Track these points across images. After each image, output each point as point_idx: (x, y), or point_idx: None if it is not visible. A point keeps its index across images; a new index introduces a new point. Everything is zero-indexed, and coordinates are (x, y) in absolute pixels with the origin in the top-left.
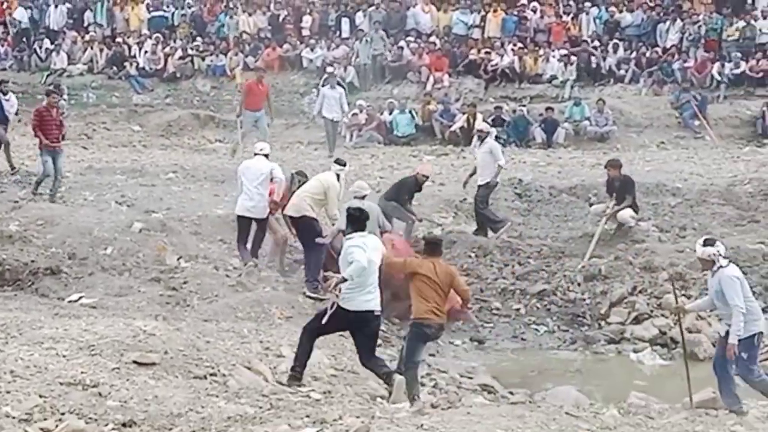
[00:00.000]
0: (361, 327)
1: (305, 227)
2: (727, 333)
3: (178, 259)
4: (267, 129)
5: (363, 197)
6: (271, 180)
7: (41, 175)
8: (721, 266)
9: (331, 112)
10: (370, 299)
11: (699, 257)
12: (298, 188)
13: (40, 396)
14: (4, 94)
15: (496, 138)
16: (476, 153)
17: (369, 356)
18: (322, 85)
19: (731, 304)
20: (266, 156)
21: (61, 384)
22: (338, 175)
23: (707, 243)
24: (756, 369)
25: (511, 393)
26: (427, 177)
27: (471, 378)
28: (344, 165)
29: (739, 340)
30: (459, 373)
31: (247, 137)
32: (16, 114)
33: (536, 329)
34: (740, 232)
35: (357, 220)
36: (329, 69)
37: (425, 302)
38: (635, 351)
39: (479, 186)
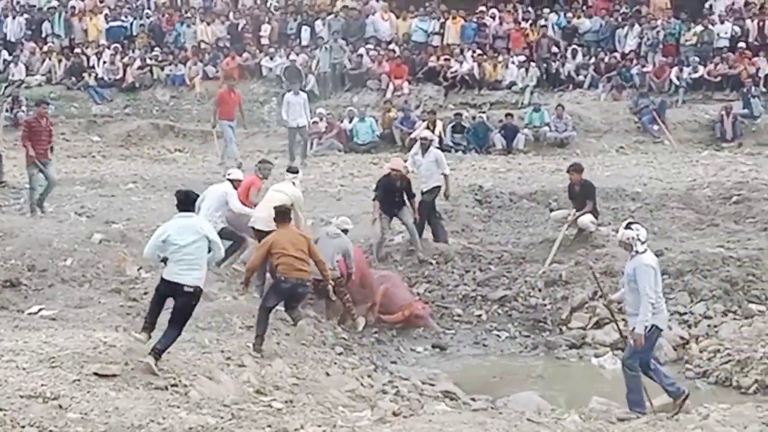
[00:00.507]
0: (173, 296)
1: None
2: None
3: (138, 270)
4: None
5: (345, 231)
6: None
7: (29, 191)
8: (637, 251)
9: (296, 119)
10: (181, 272)
11: (619, 240)
12: (263, 178)
13: (0, 409)
14: None
15: (456, 144)
16: (418, 160)
17: (170, 326)
18: (287, 91)
19: (641, 293)
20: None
21: (21, 397)
22: (293, 183)
23: (628, 226)
24: (637, 364)
25: (473, 399)
26: (399, 170)
27: (433, 385)
28: (296, 173)
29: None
30: (421, 380)
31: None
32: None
33: (498, 335)
34: (700, 236)
35: (180, 202)
36: (292, 58)
37: (284, 265)
38: (596, 356)
39: (424, 193)
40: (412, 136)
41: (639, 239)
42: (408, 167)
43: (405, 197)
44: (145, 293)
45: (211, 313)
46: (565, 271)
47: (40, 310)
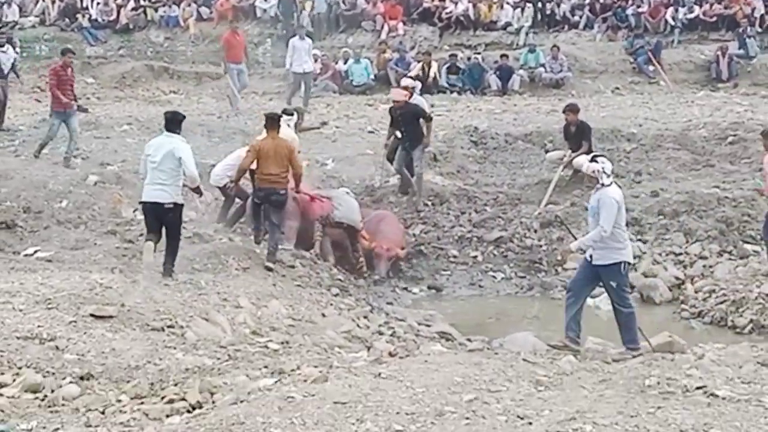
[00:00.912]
0: (157, 216)
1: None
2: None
3: (134, 212)
4: (248, 82)
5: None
6: None
7: (46, 138)
8: (603, 184)
9: (302, 65)
10: (155, 191)
11: (585, 173)
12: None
13: None
14: (1, 46)
15: (452, 86)
16: None
17: (168, 243)
18: (291, 36)
19: (600, 223)
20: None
21: (17, 338)
22: (288, 125)
23: (593, 159)
24: (629, 297)
25: (469, 340)
26: (398, 101)
27: (429, 326)
28: (292, 114)
29: (604, 267)
30: (417, 321)
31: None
32: (13, 67)
33: (493, 276)
34: (695, 177)
35: (167, 121)
36: None
37: (261, 174)
38: (592, 297)
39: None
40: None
41: (605, 172)
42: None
43: (414, 129)
44: (141, 235)
45: (207, 254)
46: (561, 212)
47: (35, 251)
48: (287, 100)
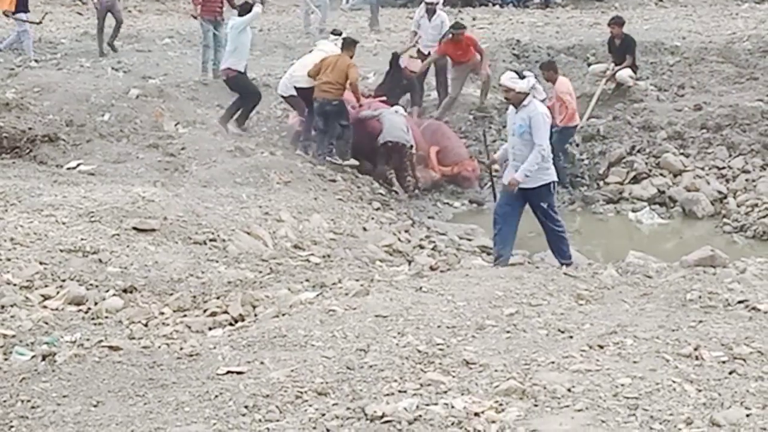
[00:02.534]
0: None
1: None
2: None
3: (175, 125)
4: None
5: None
6: None
7: (203, 48)
8: (533, 99)
9: None
10: (228, 59)
11: (513, 90)
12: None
13: (41, 263)
14: None
15: None
16: (423, 24)
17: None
18: None
19: (536, 143)
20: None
21: (61, 251)
22: (335, 45)
23: (522, 77)
24: (559, 216)
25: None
26: (411, 71)
27: (470, 240)
28: (340, 35)
29: (534, 189)
30: (458, 235)
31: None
32: None
33: None
34: (739, 90)
35: (240, 7)
36: None
37: (318, 84)
38: (634, 210)
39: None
40: None
41: (535, 88)
42: (413, 28)
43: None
44: (183, 148)
45: (248, 168)
46: (603, 126)
47: (78, 165)
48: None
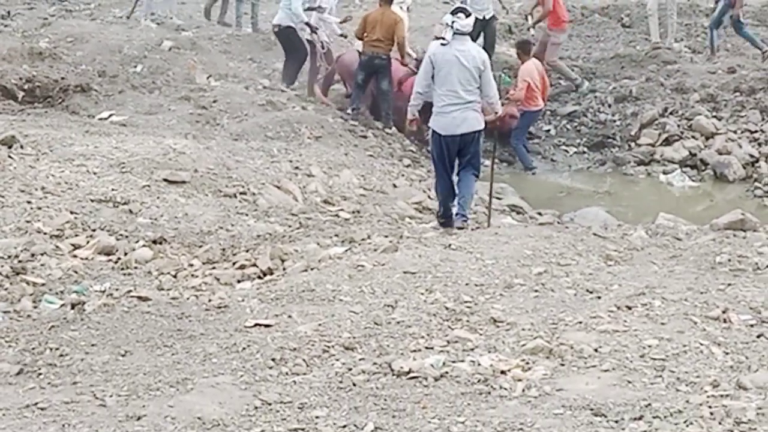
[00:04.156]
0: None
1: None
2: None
3: (207, 78)
4: None
5: None
6: None
7: (237, 2)
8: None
9: None
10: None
11: (457, 27)
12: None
13: (71, 212)
14: None
15: None
16: None
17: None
18: None
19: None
20: None
21: (92, 201)
22: (400, 8)
23: (469, 14)
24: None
25: (540, 214)
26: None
27: (500, 198)
28: None
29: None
30: (488, 193)
31: None
32: None
33: (566, 150)
34: None
35: None
36: None
37: (367, 40)
38: (665, 173)
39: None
40: None
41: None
42: None
43: None
44: (214, 101)
45: (279, 122)
46: (636, 87)
47: (110, 115)
48: None
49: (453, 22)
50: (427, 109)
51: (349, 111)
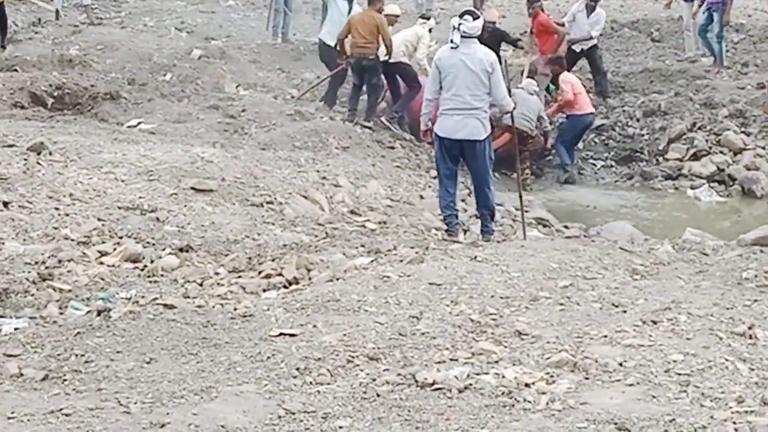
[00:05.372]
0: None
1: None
2: None
3: (236, 87)
4: None
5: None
6: None
7: (273, 13)
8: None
9: None
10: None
11: (464, 30)
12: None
13: (99, 219)
14: None
15: None
16: (579, 18)
17: None
18: None
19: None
20: None
21: (119, 208)
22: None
23: (477, 17)
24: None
25: (566, 227)
26: (493, 22)
27: (527, 211)
28: (428, 18)
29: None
30: (514, 206)
31: None
32: None
33: (593, 164)
34: None
35: None
36: None
37: (352, 43)
38: (692, 187)
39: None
40: None
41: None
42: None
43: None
44: (243, 110)
45: (307, 132)
46: (665, 101)
47: (139, 123)
48: None
49: (460, 24)
50: None
51: (348, 114)
